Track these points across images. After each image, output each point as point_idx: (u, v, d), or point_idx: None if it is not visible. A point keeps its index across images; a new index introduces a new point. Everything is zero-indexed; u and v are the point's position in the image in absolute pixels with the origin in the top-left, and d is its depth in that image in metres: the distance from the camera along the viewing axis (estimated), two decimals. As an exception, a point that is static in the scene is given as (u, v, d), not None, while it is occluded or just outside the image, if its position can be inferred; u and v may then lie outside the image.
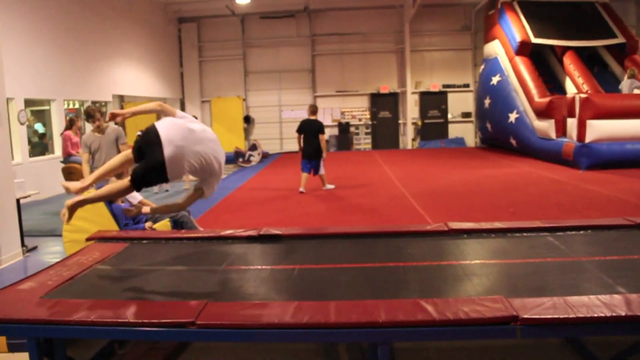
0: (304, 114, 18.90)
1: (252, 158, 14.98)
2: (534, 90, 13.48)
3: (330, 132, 18.64)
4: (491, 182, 9.94)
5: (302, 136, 9.71)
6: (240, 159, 15.00)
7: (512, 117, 14.08)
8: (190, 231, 5.21)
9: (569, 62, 14.32)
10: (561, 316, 2.62)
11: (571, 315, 2.62)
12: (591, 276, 3.41)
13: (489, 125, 15.74)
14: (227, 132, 18.94)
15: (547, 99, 12.67)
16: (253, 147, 15.20)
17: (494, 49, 15.80)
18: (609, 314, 2.61)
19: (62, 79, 12.12)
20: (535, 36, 14.61)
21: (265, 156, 16.39)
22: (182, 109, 19.04)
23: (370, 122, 18.82)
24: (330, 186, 9.88)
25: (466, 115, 18.52)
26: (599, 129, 11.00)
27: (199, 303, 2.89)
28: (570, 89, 14.13)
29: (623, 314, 2.61)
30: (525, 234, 4.46)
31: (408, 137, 18.56)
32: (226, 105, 19.14)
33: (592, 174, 10.43)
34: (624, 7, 18.26)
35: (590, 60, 15.45)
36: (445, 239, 4.39)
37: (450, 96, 18.65)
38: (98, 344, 3.69)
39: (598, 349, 3.33)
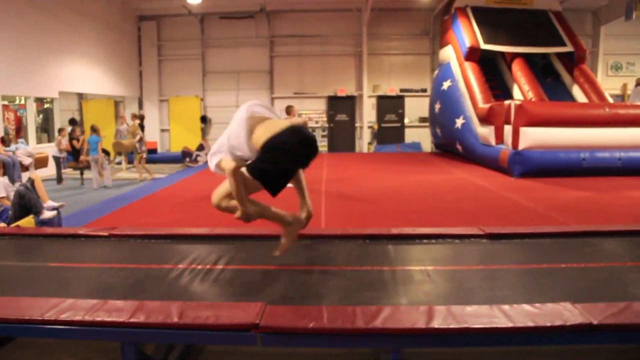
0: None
1: (199, 158, 14.90)
2: (478, 96, 13.51)
3: (286, 134, 18.59)
4: (417, 188, 9.92)
5: None
6: (188, 159, 14.93)
7: (459, 122, 14.09)
8: (45, 229, 5.16)
9: (516, 68, 14.36)
10: (301, 326, 2.59)
11: (312, 326, 2.58)
12: (387, 287, 3.39)
13: (438, 131, 15.77)
14: (185, 131, 18.87)
15: (488, 105, 12.69)
16: (200, 147, 15.12)
17: (447, 54, 15.81)
18: (350, 326, 2.58)
19: (1, 74, 11.96)
20: (485, 42, 14.63)
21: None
22: (140, 107, 18.99)
23: (327, 125, 18.79)
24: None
25: (423, 120, 18.50)
26: (532, 136, 11.01)
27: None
28: (517, 95, 14.20)
29: (362, 326, 2.57)
30: (368, 241, 4.44)
31: (364, 141, 18.54)
32: (184, 105, 19.05)
33: (521, 182, 10.45)
34: (580, 17, 18.39)
35: (544, 71, 15.55)
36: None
37: (407, 100, 18.65)
38: None
39: None
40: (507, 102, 11.82)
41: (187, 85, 18.95)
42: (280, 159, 3.54)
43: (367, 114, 18.39)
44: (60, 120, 14.90)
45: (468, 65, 14.40)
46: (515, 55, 14.66)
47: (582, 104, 12.35)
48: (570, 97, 14.60)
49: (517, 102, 11.26)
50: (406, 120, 18.69)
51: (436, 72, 16.62)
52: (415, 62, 18.65)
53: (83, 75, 15.69)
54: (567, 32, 15.22)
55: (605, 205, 8.12)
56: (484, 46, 14.53)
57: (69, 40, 14.79)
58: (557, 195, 8.97)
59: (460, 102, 14.31)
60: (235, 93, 18.89)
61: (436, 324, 2.57)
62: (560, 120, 11.11)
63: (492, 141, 12.38)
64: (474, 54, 14.48)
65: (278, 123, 3.67)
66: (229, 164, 3.48)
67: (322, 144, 18.79)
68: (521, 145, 11.06)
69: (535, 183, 10.25)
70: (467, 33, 14.79)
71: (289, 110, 10.66)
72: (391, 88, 18.54)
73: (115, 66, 17.55)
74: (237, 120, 3.67)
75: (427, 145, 18.59)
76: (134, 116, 14.80)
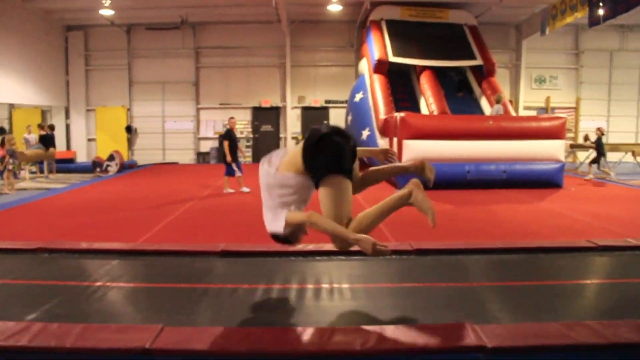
0: (186, 125, 18.99)
1: (109, 168, 14.83)
2: (381, 109, 13.59)
3: (211, 145, 18.64)
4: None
5: None
6: (98, 169, 14.85)
7: (365, 134, 14.14)
8: None
9: (424, 81, 14.49)
10: None
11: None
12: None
13: (351, 142, 15.81)
14: (112, 141, 18.76)
15: (384, 118, 12.78)
16: (111, 158, 15.05)
17: (363, 66, 15.93)
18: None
19: None
20: (395, 55, 14.75)
21: (131, 166, 16.31)
22: (67, 117, 18.88)
23: (252, 136, 18.82)
24: (245, 189, 10.67)
25: (348, 131, 18.59)
26: (416, 149, 11.03)
27: None
28: (423, 108, 14.31)
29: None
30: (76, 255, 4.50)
31: (289, 152, 18.54)
32: (111, 115, 18.97)
33: (399, 194, 10.48)
34: (504, 31, 18.62)
35: (458, 85, 15.68)
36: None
37: (332, 112, 18.74)
38: None
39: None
40: (395, 114, 11.90)
41: (114, 95, 18.89)
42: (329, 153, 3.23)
43: (292, 124, 18.45)
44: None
45: (376, 78, 14.51)
46: (424, 68, 14.79)
47: (466, 117, 12.42)
48: (479, 110, 14.73)
49: (401, 115, 11.32)
50: (331, 132, 18.73)
51: (354, 84, 16.73)
52: (340, 73, 18.75)
53: (4, 85, 15.53)
54: (478, 46, 15.39)
55: (454, 219, 8.16)
56: (392, 59, 14.64)
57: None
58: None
59: (369, 114, 14.37)
60: (161, 103, 18.87)
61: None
62: (444, 133, 11.19)
63: (387, 153, 12.42)
64: (382, 67, 14.58)
65: (295, 147, 3.46)
66: (298, 215, 3.22)
67: (247, 155, 18.78)
68: (405, 158, 11.07)
69: (411, 196, 10.27)
70: (377, 46, 14.91)
71: (229, 121, 11.32)
72: (316, 99, 18.63)
73: (41, 76, 17.44)
74: (266, 176, 3.38)
75: (352, 156, 18.63)
76: (42, 127, 14.74)
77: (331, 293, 3.68)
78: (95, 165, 14.94)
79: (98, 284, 3.88)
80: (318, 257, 4.57)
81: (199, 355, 2.71)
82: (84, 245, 4.82)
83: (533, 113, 18.15)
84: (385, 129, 12.47)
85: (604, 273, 4.40)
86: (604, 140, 13.06)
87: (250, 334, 2.83)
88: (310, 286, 3.81)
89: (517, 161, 11.39)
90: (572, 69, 19.03)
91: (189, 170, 15.92)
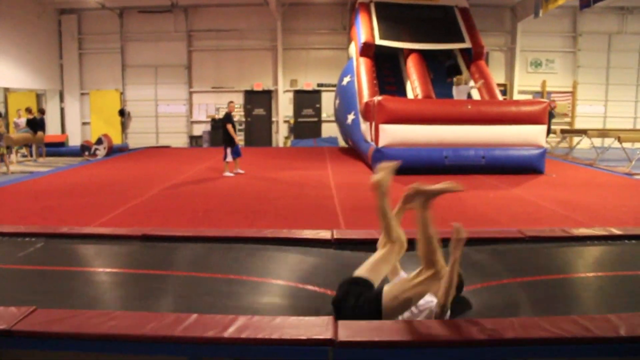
0: (179, 109, 19.04)
1: (97, 152, 14.95)
2: (365, 92, 13.48)
3: (203, 128, 18.68)
4: (262, 185, 9.94)
5: None
6: (86, 153, 14.97)
7: (350, 118, 14.08)
8: None
9: (410, 64, 14.33)
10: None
11: None
12: None
13: (338, 126, 15.77)
14: (105, 125, 18.90)
15: (365, 102, 12.69)
16: (99, 141, 15.16)
17: (352, 49, 15.79)
18: None
19: None
20: (381, 38, 14.60)
21: (121, 150, 16.43)
22: (62, 100, 19.01)
23: (244, 119, 18.82)
24: (229, 174, 10.95)
25: (340, 115, 18.49)
26: (392, 133, 10.96)
27: None
28: (409, 91, 14.18)
29: None
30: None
31: (281, 135, 18.56)
32: (104, 98, 19.08)
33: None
34: (500, 13, 18.32)
35: (448, 70, 15.48)
36: None
37: (324, 95, 18.65)
38: None
39: None
40: (375, 98, 11.80)
41: (108, 79, 18.98)
42: None
43: (284, 108, 18.42)
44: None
45: (362, 61, 14.38)
46: (412, 51, 14.62)
47: (445, 101, 12.25)
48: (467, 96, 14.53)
49: (378, 99, 11.22)
50: (323, 115, 18.70)
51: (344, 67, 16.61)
52: (332, 56, 18.61)
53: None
54: (468, 29, 15.16)
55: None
56: (378, 42, 14.49)
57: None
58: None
59: (355, 98, 14.26)
60: (154, 87, 18.92)
61: None
62: (421, 118, 11.05)
63: (368, 137, 12.38)
64: (368, 50, 14.45)
65: None
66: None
67: (240, 138, 18.77)
68: (381, 142, 11.02)
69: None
70: (364, 28, 14.76)
71: (228, 105, 11.55)
72: (307, 83, 18.55)
73: (35, 59, 17.57)
74: None
75: (344, 140, 18.60)
76: (29, 110, 14.87)
77: (230, 283, 3.68)
78: (84, 149, 15.06)
79: (12, 267, 3.93)
80: (241, 244, 4.55)
81: (57, 337, 2.74)
82: (10, 229, 4.87)
83: (529, 97, 17.90)
84: (366, 113, 12.39)
85: (519, 268, 4.24)
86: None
87: (115, 317, 2.85)
88: (218, 276, 3.81)
89: (496, 146, 11.23)
90: (569, 53, 18.70)
91: (178, 154, 15.99)
